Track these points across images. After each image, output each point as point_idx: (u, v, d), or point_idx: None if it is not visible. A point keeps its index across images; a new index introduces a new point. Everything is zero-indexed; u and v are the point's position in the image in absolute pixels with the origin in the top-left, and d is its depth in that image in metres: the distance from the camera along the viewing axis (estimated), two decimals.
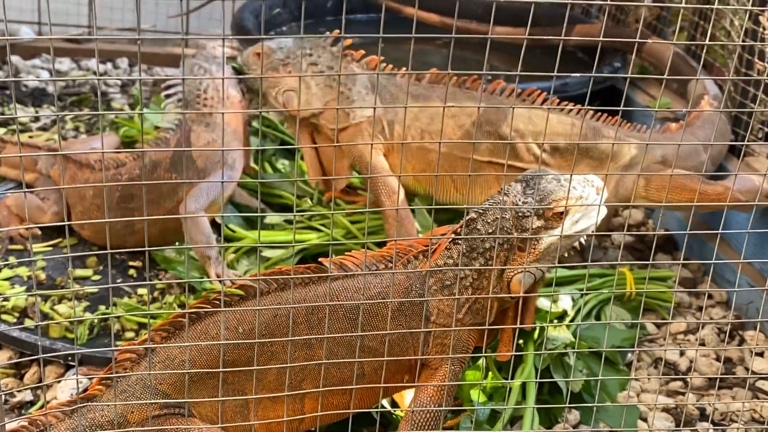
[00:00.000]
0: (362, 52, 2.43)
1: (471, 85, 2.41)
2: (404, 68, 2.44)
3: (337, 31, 2.40)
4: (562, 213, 1.57)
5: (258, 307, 1.55)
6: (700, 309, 2.43)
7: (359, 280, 1.64)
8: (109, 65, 3.52)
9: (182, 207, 2.25)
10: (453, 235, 1.64)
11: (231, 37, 2.61)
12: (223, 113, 2.23)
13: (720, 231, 1.97)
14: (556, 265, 1.61)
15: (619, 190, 2.37)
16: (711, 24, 2.89)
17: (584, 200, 1.58)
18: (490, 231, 1.60)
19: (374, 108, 2.22)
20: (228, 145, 2.38)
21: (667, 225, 2.77)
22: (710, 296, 2.49)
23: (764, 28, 2.52)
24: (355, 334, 1.58)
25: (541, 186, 1.59)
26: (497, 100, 2.38)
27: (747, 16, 2.60)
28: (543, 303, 2.17)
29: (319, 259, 1.67)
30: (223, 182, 2.36)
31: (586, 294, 2.28)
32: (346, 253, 1.69)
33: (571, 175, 1.58)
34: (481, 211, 1.63)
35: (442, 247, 1.65)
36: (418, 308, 1.64)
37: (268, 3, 3.38)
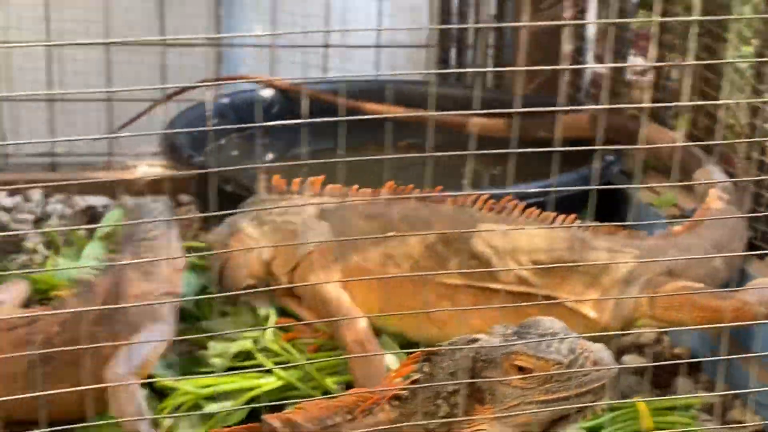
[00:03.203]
0: (297, 180, 2.55)
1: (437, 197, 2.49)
2: (355, 186, 2.55)
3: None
4: (521, 369, 1.57)
5: None
6: None
7: None
8: (18, 198, 3.59)
9: (108, 371, 2.23)
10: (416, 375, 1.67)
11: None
12: None
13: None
14: None
15: (619, 310, 2.41)
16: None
17: (560, 367, 1.56)
18: (452, 372, 1.63)
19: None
20: (163, 298, 2.38)
21: (685, 342, 2.81)
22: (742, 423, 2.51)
23: None
24: None
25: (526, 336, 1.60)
26: (468, 213, 2.46)
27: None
28: None
29: (263, 417, 1.70)
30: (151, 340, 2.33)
31: None
32: (296, 407, 1.72)
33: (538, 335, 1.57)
34: (450, 348, 1.66)
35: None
36: None
37: (201, 114, 3.50)
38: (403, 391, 1.67)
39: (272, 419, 1.68)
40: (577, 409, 1.59)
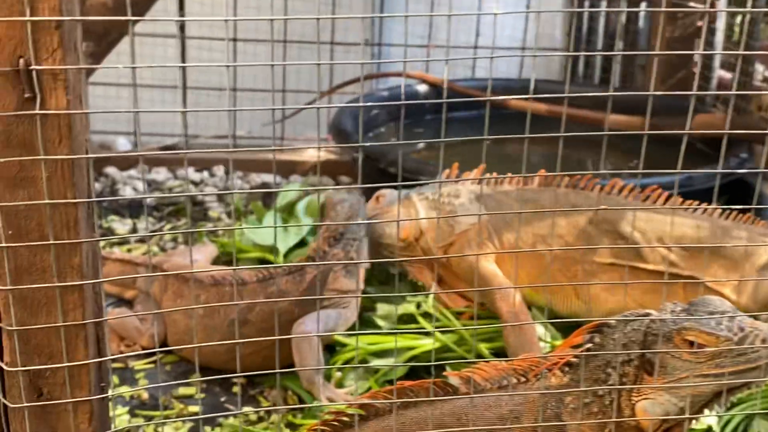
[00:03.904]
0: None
1: (586, 185, 2.41)
2: (509, 173, 2.48)
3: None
4: (692, 343, 1.48)
5: None
6: None
7: (489, 397, 1.60)
8: (205, 174, 3.64)
9: (296, 325, 2.25)
10: (589, 343, 1.59)
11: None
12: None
13: None
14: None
15: (758, 294, 2.29)
16: None
17: (730, 343, 1.45)
18: (623, 344, 1.54)
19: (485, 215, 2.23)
20: (353, 292, 2.38)
21: None
22: None
23: None
24: None
25: (695, 314, 1.50)
26: (615, 200, 2.37)
27: None
28: None
29: (445, 373, 1.64)
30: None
31: (733, 407, 2.18)
32: (474, 366, 1.66)
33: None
34: (622, 320, 1.57)
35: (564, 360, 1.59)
36: (555, 430, 1.58)
37: (366, 103, 3.47)
38: (575, 359, 1.59)
39: (453, 376, 1.63)
40: (744, 383, 1.48)
